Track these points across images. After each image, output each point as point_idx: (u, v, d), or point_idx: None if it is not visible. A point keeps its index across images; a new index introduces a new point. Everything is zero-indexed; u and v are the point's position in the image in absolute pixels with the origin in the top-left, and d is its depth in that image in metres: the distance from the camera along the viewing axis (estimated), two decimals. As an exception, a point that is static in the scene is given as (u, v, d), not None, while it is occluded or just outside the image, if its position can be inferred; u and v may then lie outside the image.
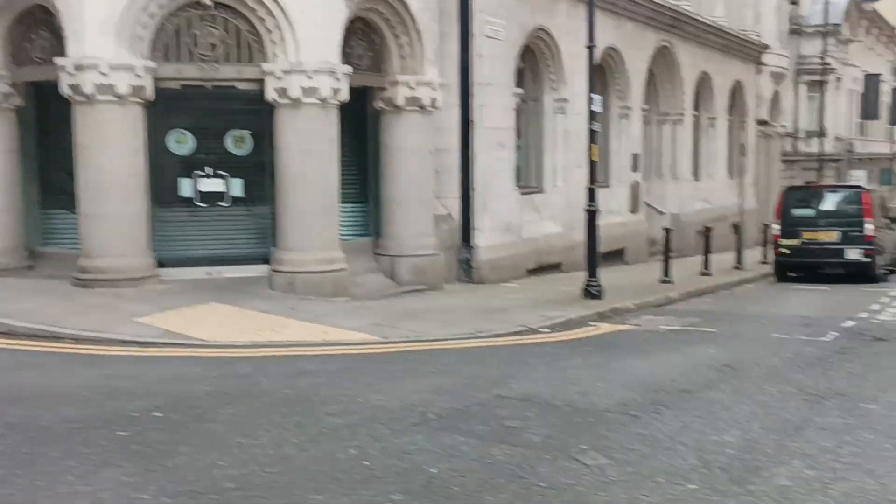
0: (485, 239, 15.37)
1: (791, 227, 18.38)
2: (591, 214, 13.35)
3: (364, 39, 13.02)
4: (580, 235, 18.10)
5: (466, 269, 15.22)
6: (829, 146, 41.42)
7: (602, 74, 20.45)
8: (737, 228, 20.93)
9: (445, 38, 14.78)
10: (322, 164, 12.15)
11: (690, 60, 24.30)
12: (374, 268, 13.72)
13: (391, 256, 13.72)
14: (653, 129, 23.92)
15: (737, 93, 28.83)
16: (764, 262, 21.29)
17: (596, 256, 13.43)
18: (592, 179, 13.39)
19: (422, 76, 13.42)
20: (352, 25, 12.65)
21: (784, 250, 18.44)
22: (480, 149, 15.16)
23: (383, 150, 13.69)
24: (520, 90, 16.23)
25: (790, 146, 39.97)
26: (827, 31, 40.60)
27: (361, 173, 14.05)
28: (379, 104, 13.55)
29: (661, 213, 23.99)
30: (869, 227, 17.76)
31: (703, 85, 25.99)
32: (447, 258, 15.05)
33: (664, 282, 16.26)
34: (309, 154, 12.06)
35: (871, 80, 46.89)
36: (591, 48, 13.13)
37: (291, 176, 12.13)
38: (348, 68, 12.16)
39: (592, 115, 13.10)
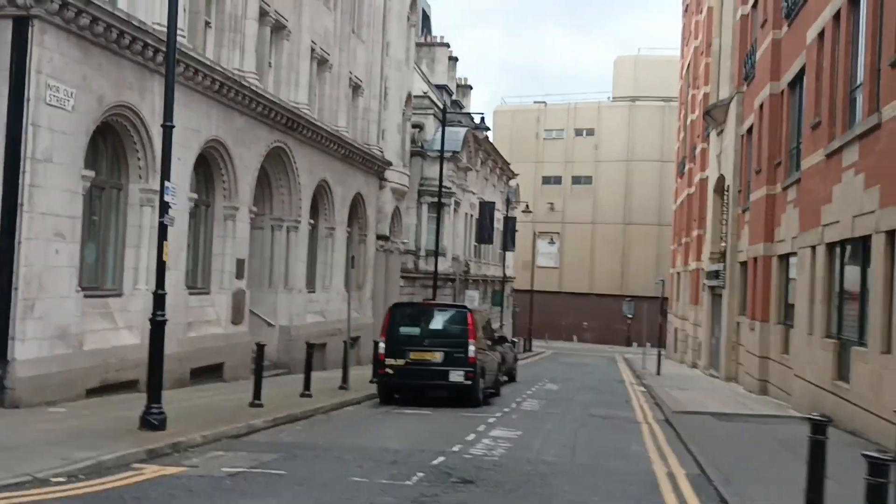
0: (27, 351, 12.29)
1: (397, 345, 17.41)
2: (158, 325, 10.99)
3: None
4: (167, 348, 15.69)
5: (-2, 388, 11.98)
6: (448, 265, 42.98)
7: (207, 169, 18.50)
8: (346, 346, 19.63)
9: (-9, 100, 11.97)
10: None
11: (308, 166, 23.24)
12: None
13: None
14: (265, 234, 22.28)
15: (358, 205, 28.41)
16: (374, 381, 20.15)
17: (159, 376, 11.02)
18: (160, 283, 11.08)
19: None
20: None
21: (389, 370, 17.36)
22: (31, 239, 12.24)
23: None
24: (90, 173, 13.61)
25: (412, 263, 40.78)
26: (447, 158, 42.68)
27: None
28: None
29: (270, 325, 22.20)
30: (472, 349, 17.31)
31: (323, 193, 25.07)
32: (-29, 375, 11.75)
33: (254, 405, 14.19)
34: None
35: (487, 207, 50.17)
36: (168, 128, 11.08)
37: None
38: None
39: (165, 207, 10.93)
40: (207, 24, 18.62)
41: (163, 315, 11.00)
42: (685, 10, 57.36)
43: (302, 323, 23.26)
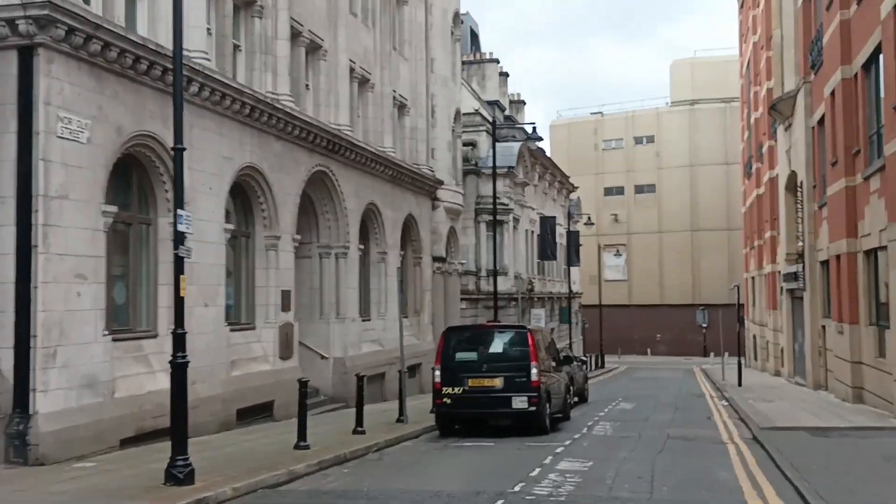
0: (50, 402, 11.43)
1: (453, 372, 16.21)
2: (179, 368, 9.99)
3: None
4: (208, 390, 14.81)
5: (19, 445, 11.12)
6: (510, 285, 41.64)
7: (244, 198, 17.65)
8: (401, 375, 18.47)
9: (2, 136, 11.25)
10: None
11: (354, 189, 22.30)
12: None
13: None
14: (313, 262, 21.36)
15: (410, 227, 27.39)
16: (433, 412, 18.96)
17: (184, 424, 10.01)
18: (179, 321, 10.08)
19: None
20: None
21: (446, 399, 16.16)
22: (48, 282, 11.42)
23: None
24: (112, 209, 12.78)
25: (473, 284, 39.58)
26: (503, 174, 41.50)
27: None
28: None
29: (323, 357, 21.23)
30: (534, 372, 16.00)
31: (372, 216, 24.10)
32: (-9, 431, 10.92)
33: (299, 447, 13.10)
34: None
35: (547, 222, 48.71)
36: (179, 150, 10.12)
37: None
38: None
39: (180, 238, 9.95)
40: (237, 47, 17.85)
41: (184, 357, 10.00)
42: (741, 7, 55.36)
43: (357, 353, 22.23)
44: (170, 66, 13.77)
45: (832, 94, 23.19)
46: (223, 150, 15.90)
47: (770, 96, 37.04)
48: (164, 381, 13.94)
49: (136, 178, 14.23)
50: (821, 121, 25.79)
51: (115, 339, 12.70)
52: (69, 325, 11.76)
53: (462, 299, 36.07)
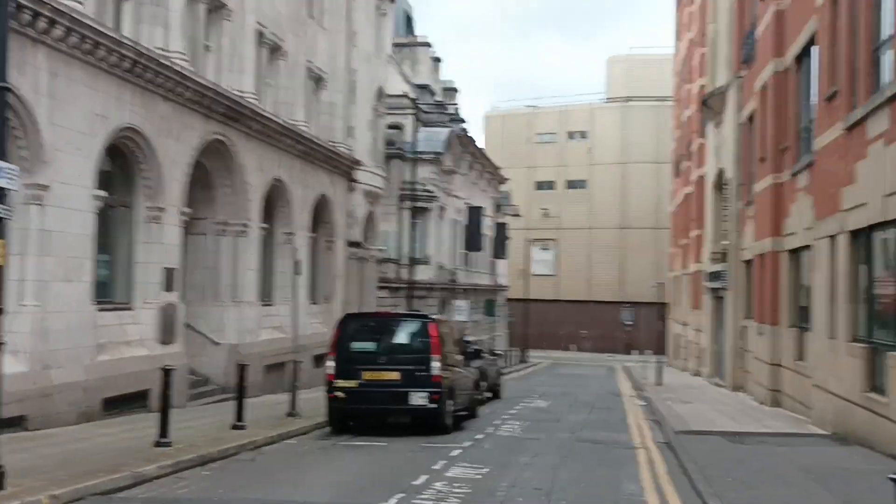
0: None
1: (348, 364, 14.78)
2: (-10, 351, 8.31)
3: None
4: (62, 376, 13.08)
5: None
6: (432, 274, 40.34)
7: (124, 163, 15.89)
8: (294, 365, 16.95)
9: None
10: None
11: (258, 163, 20.63)
12: None
13: None
14: (208, 240, 19.66)
15: (323, 208, 25.79)
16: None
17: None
18: (-6, 296, 8.41)
19: None
20: None
21: (339, 393, 14.71)
22: None
23: None
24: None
25: (394, 273, 38.17)
26: (429, 160, 40.15)
27: None
28: None
29: (215, 343, 19.54)
30: (436, 366, 14.65)
31: (278, 194, 22.46)
32: None
33: (160, 444, 11.51)
34: None
35: (475, 213, 47.51)
36: (4, 89, 8.42)
37: None
38: None
39: (1, 196, 8.28)
40: (124, -5, 16.07)
41: (-4, 336, 8.32)
42: (678, 4, 54.96)
43: (255, 340, 20.61)
44: (25, 2, 12.07)
45: (763, 88, 22.40)
46: (96, 107, 14.14)
47: (702, 93, 36.41)
48: (8, 366, 12.21)
49: None
50: (751, 117, 25.04)
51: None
52: None
53: (381, 287, 34.61)
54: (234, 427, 13.82)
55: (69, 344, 13.52)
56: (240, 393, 14.19)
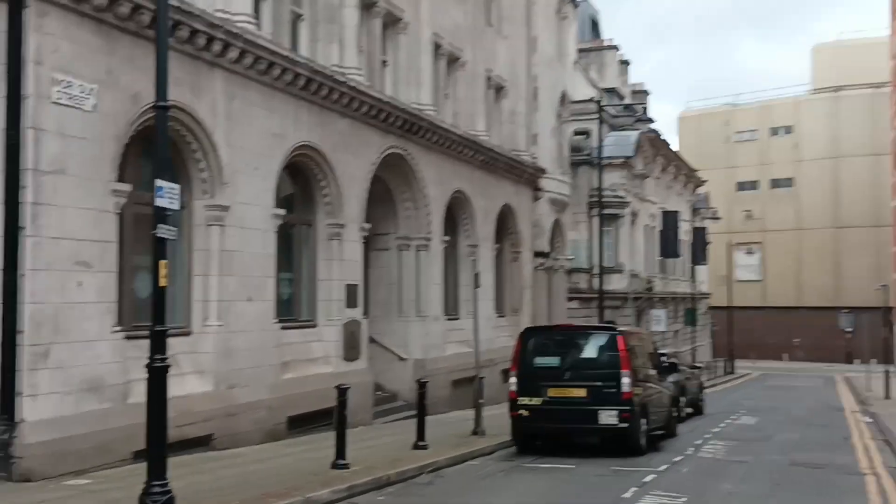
0: (40, 409, 9.89)
1: (532, 380, 13.99)
2: (156, 374, 8.18)
3: None
4: (247, 395, 13.14)
5: (3, 457, 9.64)
6: (625, 283, 38.76)
7: (304, 182, 15.95)
8: (477, 380, 16.33)
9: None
10: None
11: (437, 175, 20.31)
12: None
13: None
14: (391, 255, 19.52)
15: (507, 218, 25.19)
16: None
17: (160, 442, 8.18)
18: (159, 317, 8.29)
19: None
20: None
21: (523, 411, 13.95)
22: (39, 269, 9.91)
23: None
24: (125, 187, 11.18)
25: (585, 283, 36.99)
26: (619, 164, 38.72)
27: None
28: None
29: (401, 359, 19.33)
30: (626, 382, 13.56)
31: (460, 206, 22.06)
32: (-30, 441, 9.49)
33: (337, 466, 11.19)
34: None
35: (670, 217, 45.33)
36: (162, 108, 8.34)
37: None
38: None
39: (160, 216, 8.19)
40: (299, 16, 16.17)
41: (163, 360, 8.19)
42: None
43: (441, 354, 20.26)
44: (201, 27, 12.23)
45: None
46: (272, 127, 14.20)
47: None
48: (193, 385, 12.46)
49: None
50: None
51: (128, 337, 11.08)
52: (66, 319, 10.23)
53: (571, 298, 33.63)
54: (416, 447, 13.36)
55: (253, 363, 13.58)
56: (420, 411, 13.73)
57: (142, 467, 10.79)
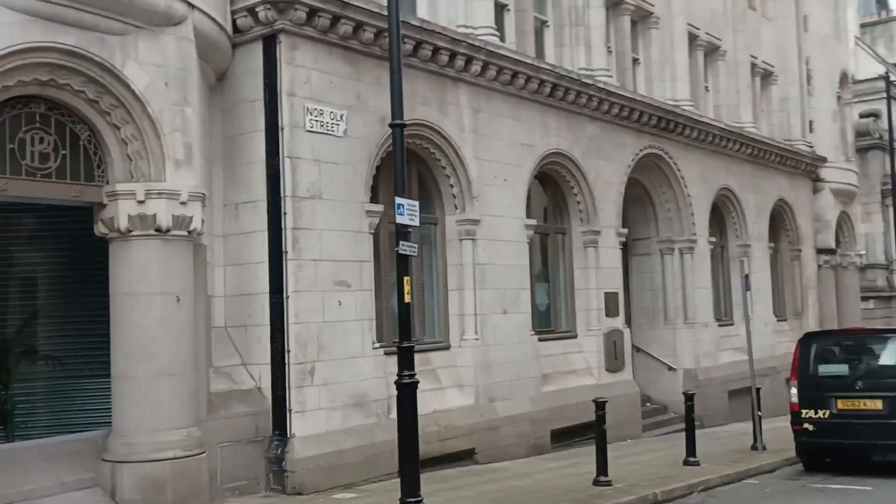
0: (308, 425, 10.34)
1: (816, 391, 12.60)
2: (406, 389, 8.18)
3: (47, 129, 8.64)
4: (508, 408, 13.05)
5: (277, 471, 10.17)
6: (931, 279, 34.48)
7: (555, 190, 15.66)
8: (753, 391, 15.05)
9: (251, 135, 10.55)
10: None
11: (700, 173, 19.15)
12: (90, 481, 8.84)
13: (113, 462, 8.85)
14: (653, 260, 18.66)
15: (783, 214, 23.28)
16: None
17: (412, 458, 8.16)
18: (405, 333, 8.30)
19: (161, 184, 8.93)
20: (28, 107, 8.39)
21: (808, 426, 12.59)
22: (301, 291, 10.40)
23: (111, 298, 9.10)
24: (377, 207, 11.48)
25: (883, 280, 33.40)
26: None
27: (90, 335, 9.46)
28: (100, 228, 9.08)
29: (671, 368, 18.38)
30: (932, 392, 11.82)
31: (727, 204, 20.67)
32: (249, 456, 10.12)
33: (598, 482, 10.69)
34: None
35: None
36: (398, 126, 8.40)
37: None
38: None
39: (401, 233, 8.21)
40: (544, 22, 15.94)
41: (411, 376, 8.19)
42: None
43: (713, 363, 19.03)
44: (443, 44, 12.35)
45: None
46: (520, 136, 14.05)
47: None
48: (454, 399, 12.52)
49: (414, 174, 12.88)
50: None
51: (388, 353, 11.32)
52: (329, 338, 10.64)
53: (867, 297, 30.44)
54: (686, 463, 12.51)
55: (512, 375, 13.44)
56: (688, 424, 12.85)
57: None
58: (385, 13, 11.14)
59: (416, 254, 8.77)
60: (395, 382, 8.28)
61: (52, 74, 8.24)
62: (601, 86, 15.69)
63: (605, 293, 15.88)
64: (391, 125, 8.53)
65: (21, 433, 9.23)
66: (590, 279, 15.68)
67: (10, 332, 9.38)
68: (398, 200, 8.25)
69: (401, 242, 8.25)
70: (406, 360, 8.24)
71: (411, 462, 8.14)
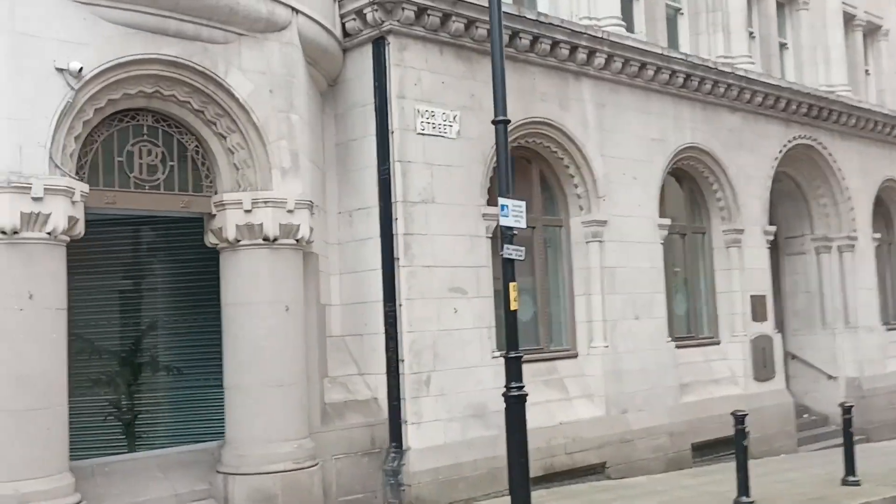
0: (424, 437, 9.99)
1: None
2: (514, 402, 7.66)
3: (154, 141, 8.68)
4: (642, 420, 12.31)
5: (394, 484, 9.87)
6: None
7: (692, 186, 14.72)
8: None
9: (363, 140, 10.36)
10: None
11: (859, 164, 17.58)
12: (204, 493, 8.82)
13: (225, 474, 8.79)
14: (807, 260, 17.27)
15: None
16: None
17: (522, 475, 7.62)
18: (512, 342, 7.79)
19: (267, 192, 8.82)
20: (136, 119, 8.47)
21: None
22: (413, 298, 10.08)
23: (222, 308, 9.07)
24: (493, 210, 10.99)
25: None
26: None
27: (206, 346, 9.47)
28: (210, 238, 9.08)
29: (830, 377, 16.95)
30: None
31: (894, 197, 18.91)
32: (365, 468, 9.89)
33: (740, 503, 9.79)
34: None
35: None
36: (501, 123, 7.92)
37: None
38: (83, 186, 7.76)
39: (506, 236, 7.71)
40: (677, 10, 15.06)
41: (519, 388, 7.67)
42: None
43: (880, 371, 17.41)
44: (562, 37, 11.78)
45: None
46: (650, 131, 13.24)
47: None
48: (583, 410, 11.93)
49: (536, 173, 12.33)
50: None
51: (527, 361, 10.75)
52: (445, 347, 10.26)
53: None
54: (844, 482, 11.31)
55: (646, 385, 12.64)
56: (846, 439, 11.59)
57: (536, 495, 10.49)
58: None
59: (522, 257, 8.26)
60: (503, 394, 7.79)
61: (156, 86, 8.27)
62: (741, 73, 14.62)
63: (752, 296, 14.75)
64: (494, 122, 8.07)
65: (142, 443, 9.34)
66: (733, 281, 14.62)
67: (132, 343, 9.52)
68: (502, 201, 7.78)
69: (505, 246, 7.77)
70: (514, 371, 7.76)
71: (521, 478, 7.63)
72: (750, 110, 15.06)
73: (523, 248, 8.42)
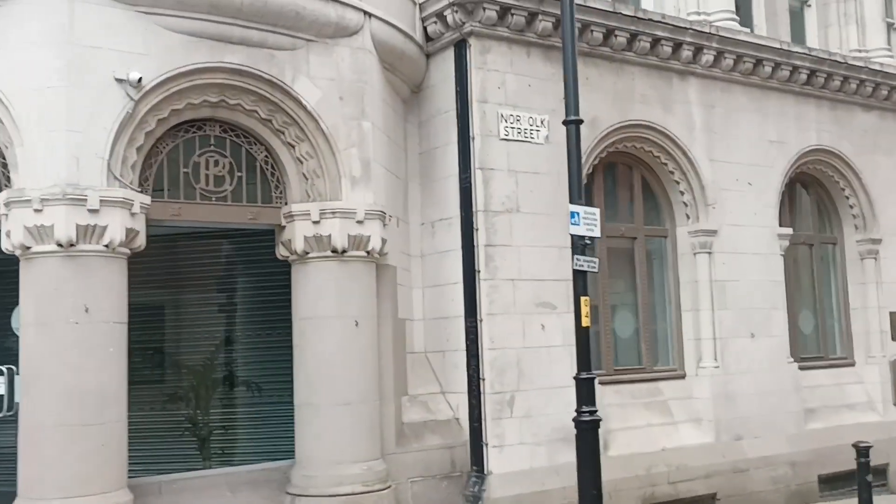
0: (507, 461, 9.38)
1: None
2: (585, 427, 6.96)
3: (221, 151, 8.49)
4: (758, 448, 11.29)
5: (474, 511, 9.32)
6: None
7: (819, 191, 13.49)
8: None
9: (445, 148, 9.94)
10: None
11: None
12: (271, 513, 8.56)
13: (293, 495, 8.48)
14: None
15: None
16: None
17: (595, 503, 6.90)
18: (583, 363, 7.08)
19: (336, 203, 8.50)
20: (202, 130, 8.34)
21: None
22: (495, 314, 9.51)
23: (293, 322, 8.81)
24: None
25: None
26: None
27: (280, 361, 9.23)
28: (281, 251, 8.84)
29: None
30: None
31: None
32: (444, 493, 9.39)
33: (862, 549, 8.67)
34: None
35: None
36: (574, 123, 7.28)
37: None
38: (144, 197, 7.64)
39: (577, 246, 7.04)
40: (804, 2, 13.91)
41: (591, 412, 6.97)
42: None
43: None
44: (663, 33, 11.00)
45: None
46: (767, 133, 12.15)
47: None
48: (690, 435, 11.07)
49: (637, 180, 11.51)
50: None
51: (602, 383, 10.07)
52: (530, 365, 9.63)
53: None
54: None
55: (764, 409, 11.54)
56: None
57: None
58: (591, 5, 10.16)
59: (595, 269, 7.58)
60: (574, 419, 7.11)
61: (221, 95, 8.11)
62: (876, 68, 13.28)
63: (891, 313, 13.32)
64: (564, 122, 7.45)
65: (217, 460, 9.19)
66: (869, 296, 13.24)
67: (208, 358, 9.40)
68: (572, 208, 7.16)
69: (576, 256, 7.11)
70: (586, 394, 7.12)
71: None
72: (888, 108, 13.67)
73: (597, 260, 7.72)
